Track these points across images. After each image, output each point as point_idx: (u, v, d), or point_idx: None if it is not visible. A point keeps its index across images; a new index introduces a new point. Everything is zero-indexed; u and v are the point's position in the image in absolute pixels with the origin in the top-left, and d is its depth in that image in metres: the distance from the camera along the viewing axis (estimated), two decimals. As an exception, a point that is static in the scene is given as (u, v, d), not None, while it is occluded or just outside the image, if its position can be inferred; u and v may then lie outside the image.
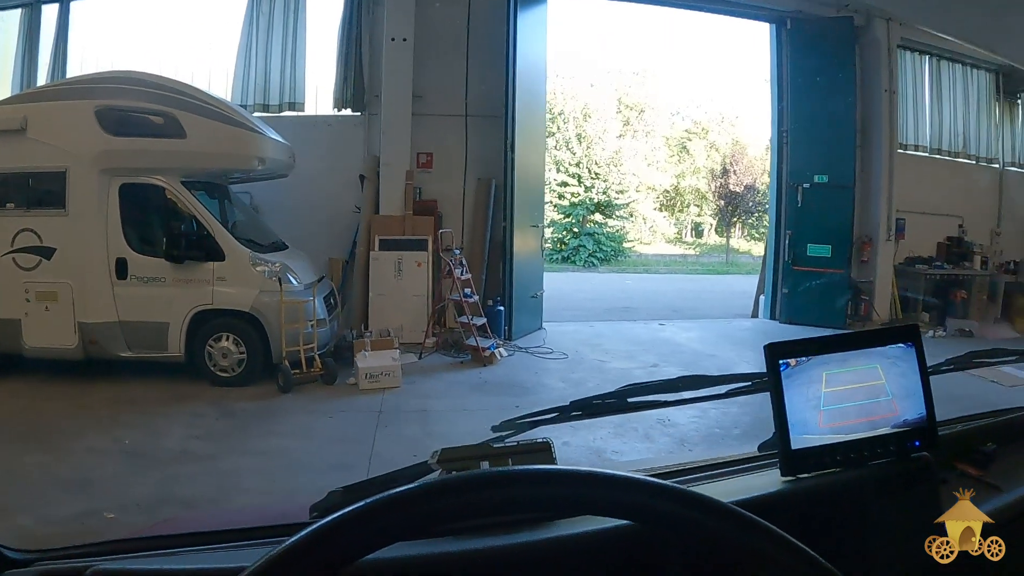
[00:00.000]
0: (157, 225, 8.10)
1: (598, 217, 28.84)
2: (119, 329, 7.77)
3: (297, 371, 7.75)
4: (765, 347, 1.34)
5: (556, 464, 1.27)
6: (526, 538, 1.12)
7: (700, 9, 13.42)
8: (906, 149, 13.65)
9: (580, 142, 29.58)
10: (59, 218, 7.73)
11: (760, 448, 1.59)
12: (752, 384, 1.67)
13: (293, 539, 0.72)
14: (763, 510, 0.83)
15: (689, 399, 1.73)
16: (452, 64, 10.88)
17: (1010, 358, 2.08)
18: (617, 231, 29.56)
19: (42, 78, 11.00)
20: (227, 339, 7.87)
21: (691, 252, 31.91)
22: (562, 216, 28.87)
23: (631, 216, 31.68)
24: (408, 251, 9.86)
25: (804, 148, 12.63)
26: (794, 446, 1.31)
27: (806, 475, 1.31)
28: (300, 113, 11.09)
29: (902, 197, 13.06)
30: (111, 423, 6.39)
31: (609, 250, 28.43)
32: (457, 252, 9.84)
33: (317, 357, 7.98)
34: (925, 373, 1.40)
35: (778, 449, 1.33)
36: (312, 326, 7.97)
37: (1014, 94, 14.98)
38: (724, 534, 0.79)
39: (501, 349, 9.42)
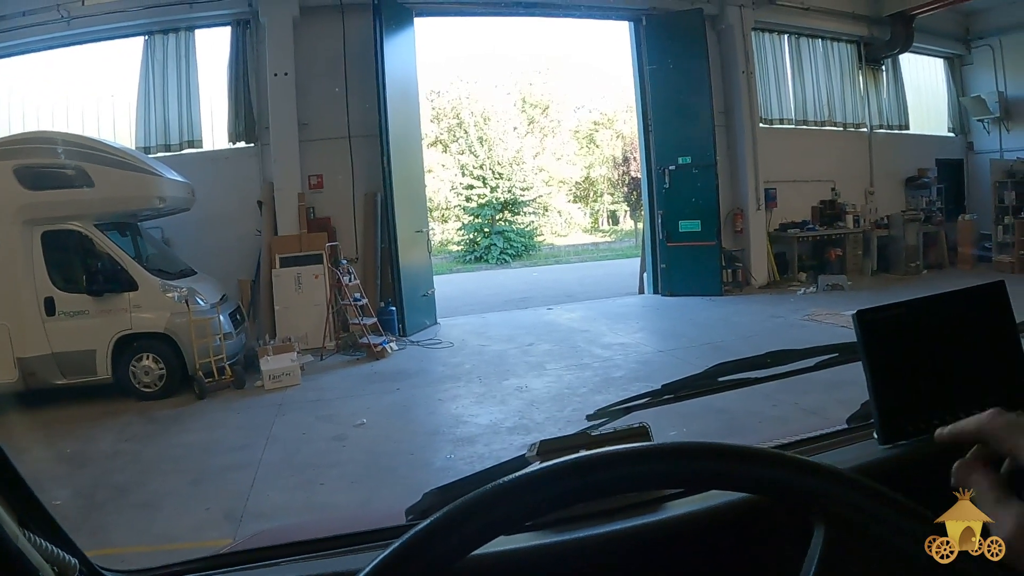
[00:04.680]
0: (77, 265, 9.54)
1: (507, 215, 30.69)
2: (53, 360, 9.25)
3: (210, 379, 9.36)
4: (854, 315, 1.35)
5: None
6: (630, 524, 1.16)
7: (562, 15, 15.13)
8: (771, 124, 15.60)
9: (482, 144, 31.33)
10: (-11, 267, 9.09)
11: (849, 421, 1.64)
12: (840, 355, 1.71)
13: (410, 533, 0.77)
14: (868, 478, 0.88)
15: (779, 374, 1.76)
16: (333, 91, 12.52)
17: None
18: (527, 227, 31.38)
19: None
20: (147, 358, 9.43)
21: (607, 239, 33.69)
22: (471, 217, 30.75)
23: (545, 211, 33.53)
24: (306, 266, 11.45)
25: (667, 133, 14.44)
26: (889, 412, 1.34)
27: (904, 441, 1.33)
28: (199, 150, 12.69)
29: (772, 168, 15.04)
30: (52, 437, 7.80)
31: (520, 246, 30.32)
32: (344, 262, 11.62)
33: (227, 366, 9.64)
34: (1015, 329, 1.41)
35: (874, 416, 1.35)
36: (220, 339, 9.58)
37: (876, 62, 16.94)
38: (849, 503, 0.86)
39: (392, 344, 11.15)
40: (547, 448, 1.32)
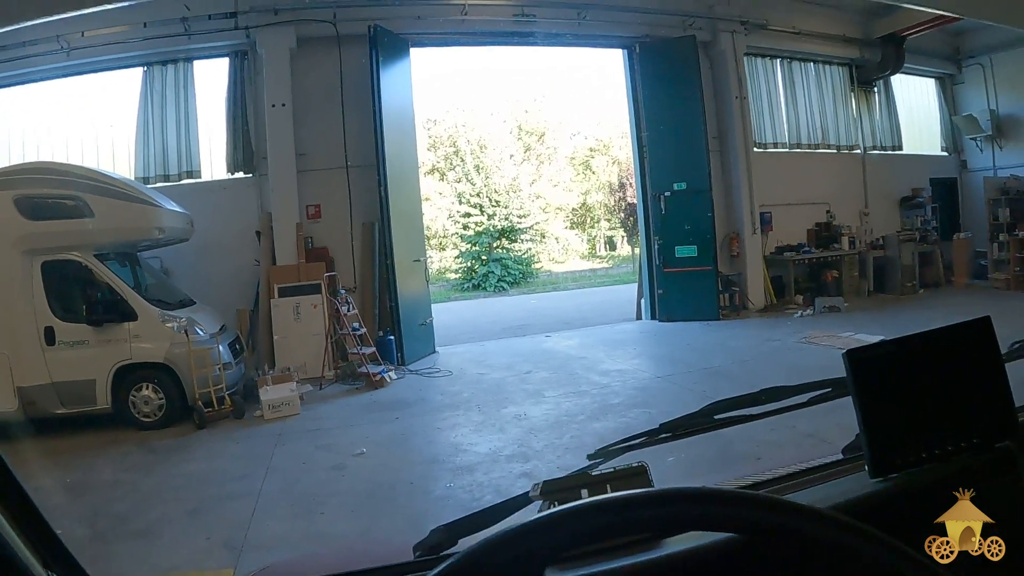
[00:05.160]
0: (77, 295, 9.59)
1: (504, 243, 30.74)
2: (52, 389, 9.26)
3: (209, 409, 9.40)
4: (844, 353, 1.41)
5: (652, 486, 1.34)
6: (631, 561, 1.19)
7: (556, 44, 15.25)
8: (765, 148, 15.75)
9: (479, 172, 31.45)
10: (-11, 296, 9.14)
11: (844, 451, 1.68)
12: (832, 390, 1.74)
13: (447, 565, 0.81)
14: (858, 513, 0.95)
15: (773, 411, 1.81)
16: (330, 122, 12.63)
17: None
18: (524, 254, 31.45)
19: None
20: (147, 388, 9.46)
21: (604, 265, 33.84)
22: (469, 245, 30.73)
23: (542, 238, 33.57)
24: (304, 295, 11.51)
25: (662, 159, 14.59)
26: (880, 447, 1.38)
27: (894, 475, 1.36)
28: (198, 180, 12.77)
29: (767, 192, 15.16)
30: (53, 467, 7.80)
31: (517, 273, 30.32)
32: (342, 292, 11.72)
33: (227, 396, 9.67)
34: (1000, 363, 1.45)
35: (865, 452, 1.39)
36: (219, 369, 9.64)
37: (868, 83, 17.12)
38: (831, 540, 0.91)
39: (391, 373, 11.20)
40: (550, 488, 1.38)
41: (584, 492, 1.37)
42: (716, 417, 1.75)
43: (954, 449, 1.41)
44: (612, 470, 1.44)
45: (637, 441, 1.70)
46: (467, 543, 1.34)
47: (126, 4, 10.67)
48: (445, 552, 1.43)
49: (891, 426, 1.40)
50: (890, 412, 1.40)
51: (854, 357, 1.40)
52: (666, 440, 1.73)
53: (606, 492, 1.33)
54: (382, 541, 5.42)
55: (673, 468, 4.96)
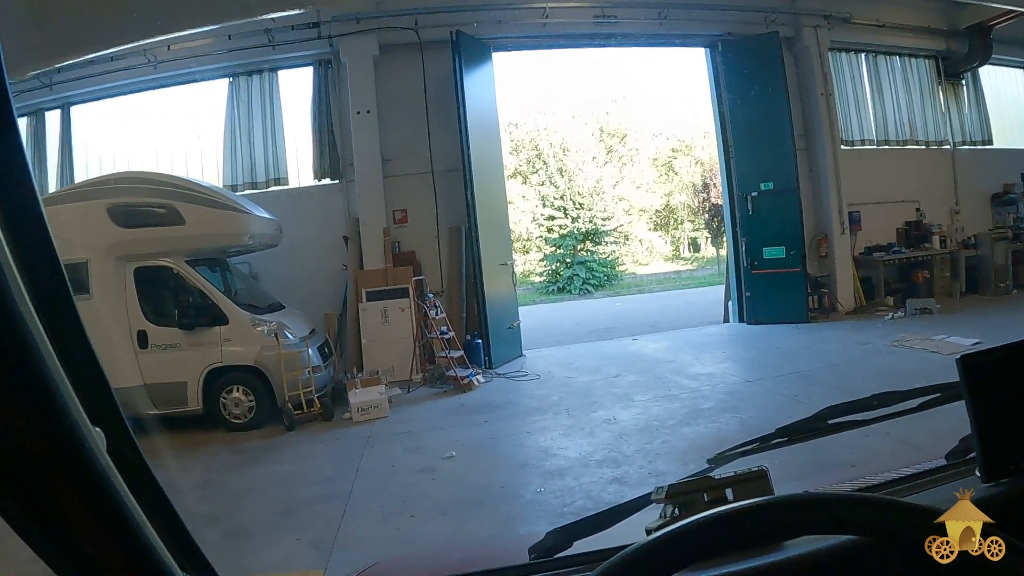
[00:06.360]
0: (169, 299, 9.72)
1: (588, 245, 30.57)
2: (145, 391, 9.36)
3: (299, 412, 9.39)
4: (957, 359, 1.38)
5: (773, 492, 1.38)
6: (750, 564, 1.18)
7: (638, 45, 15.10)
8: (852, 145, 15.17)
9: (562, 175, 31.38)
10: (85, 301, 9.09)
11: (948, 457, 1.66)
12: (942, 394, 1.72)
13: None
14: None
15: (885, 415, 1.79)
16: (415, 127, 12.60)
17: None
18: (608, 256, 31.17)
19: (51, 179, 12.82)
20: (237, 390, 9.53)
21: (688, 267, 33.43)
22: (553, 248, 30.69)
23: (626, 240, 33.29)
24: (392, 299, 11.46)
25: (748, 159, 14.12)
26: (993, 451, 1.34)
27: (1006, 479, 1.33)
28: (285, 187, 12.86)
29: (855, 191, 14.59)
30: None
31: (602, 276, 30.10)
32: (430, 296, 11.61)
33: (316, 398, 9.62)
34: None
35: (977, 455, 1.36)
36: (309, 372, 9.62)
37: (956, 75, 16.37)
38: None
39: (479, 376, 11.04)
40: (675, 491, 1.37)
41: (705, 496, 1.38)
42: (831, 422, 1.75)
43: None
44: (733, 473, 1.43)
45: (753, 445, 1.71)
46: (583, 546, 1.45)
47: (213, 27, 10.94)
48: (561, 555, 1.44)
49: (1004, 430, 1.35)
50: (1003, 416, 1.35)
51: (968, 362, 1.35)
52: (782, 444, 1.73)
53: (727, 496, 1.38)
54: (495, 542, 5.20)
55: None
